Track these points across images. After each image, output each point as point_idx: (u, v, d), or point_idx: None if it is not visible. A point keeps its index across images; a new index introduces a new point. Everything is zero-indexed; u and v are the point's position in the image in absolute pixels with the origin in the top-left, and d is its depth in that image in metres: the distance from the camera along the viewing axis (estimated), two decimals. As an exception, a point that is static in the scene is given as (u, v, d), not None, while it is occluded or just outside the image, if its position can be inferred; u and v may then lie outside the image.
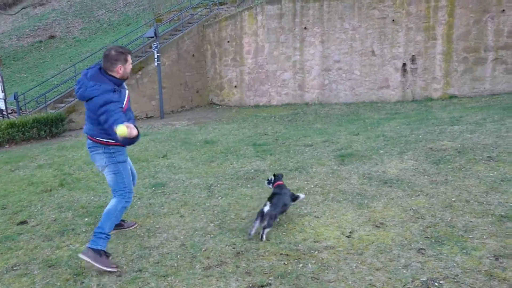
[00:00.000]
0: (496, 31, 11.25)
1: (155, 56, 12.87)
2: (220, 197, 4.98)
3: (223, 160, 6.86)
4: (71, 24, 23.64)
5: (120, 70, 3.44)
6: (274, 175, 4.33)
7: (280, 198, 3.90)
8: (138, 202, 5.00)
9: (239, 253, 3.49)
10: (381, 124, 8.92)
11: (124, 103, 3.50)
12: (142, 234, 4.04)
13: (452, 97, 11.78)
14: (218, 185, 5.46)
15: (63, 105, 12.52)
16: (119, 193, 3.58)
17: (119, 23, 21.68)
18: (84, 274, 3.32)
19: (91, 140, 3.58)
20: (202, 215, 4.43)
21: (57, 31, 23.11)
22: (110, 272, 3.28)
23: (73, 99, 12.64)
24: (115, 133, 3.16)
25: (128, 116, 3.54)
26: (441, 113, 9.57)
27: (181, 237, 3.91)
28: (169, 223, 4.26)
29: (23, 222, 4.62)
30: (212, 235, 3.89)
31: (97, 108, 3.32)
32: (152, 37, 13.06)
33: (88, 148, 3.64)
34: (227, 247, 3.62)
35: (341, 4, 12.65)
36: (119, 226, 4.03)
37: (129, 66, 3.51)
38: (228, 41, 14.64)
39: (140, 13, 21.76)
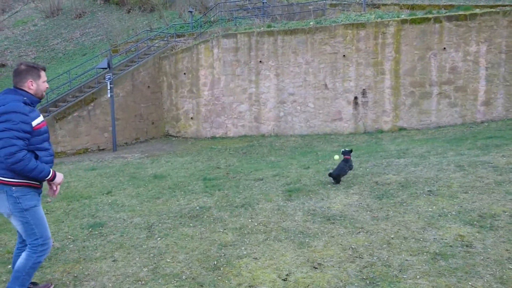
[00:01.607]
0: (439, 67, 11.89)
1: (108, 88, 12.63)
2: (159, 238, 4.77)
3: (169, 196, 6.65)
4: (24, 52, 22.97)
5: (31, 85, 3.08)
6: (343, 150, 6.63)
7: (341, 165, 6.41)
8: (71, 245, 4.70)
9: (168, 302, 3.29)
10: (332, 157, 9.03)
11: (39, 123, 3.08)
12: (68, 282, 3.76)
13: (401, 129, 12.21)
14: (160, 225, 5.25)
15: (7, 137, 11.91)
16: (29, 246, 3.10)
17: (74, 52, 21.29)
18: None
19: None
20: (137, 258, 4.20)
21: (9, 59, 22.36)
22: None
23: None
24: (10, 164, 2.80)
25: (43, 145, 3.12)
26: (390, 145, 9.84)
27: (110, 285, 3.66)
28: (100, 269, 4.00)
29: None
30: (143, 282, 3.67)
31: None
32: (106, 68, 12.85)
33: None
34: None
35: (294, 39, 13.02)
36: None
37: (43, 83, 3.16)
38: (184, 73, 14.64)
39: (97, 43, 21.50)
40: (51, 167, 3.20)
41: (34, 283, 3.57)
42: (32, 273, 3.15)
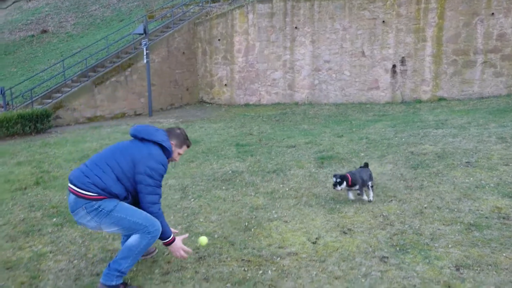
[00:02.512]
0: (486, 34, 11.22)
1: (144, 53, 12.78)
2: (193, 199, 4.93)
3: (203, 160, 6.79)
4: (64, 19, 23.46)
5: (172, 146, 3.13)
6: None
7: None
8: (110, 203, 4.93)
9: (201, 258, 3.43)
10: (367, 126, 8.88)
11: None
12: (107, 236, 3.97)
13: (441, 99, 11.76)
14: (193, 187, 5.40)
15: (50, 100, 12.41)
16: (141, 231, 2.90)
17: (112, 18, 21.53)
18: (40, 277, 3.26)
19: (74, 194, 2.86)
20: (172, 217, 4.37)
21: (50, 25, 22.93)
22: None
23: (60, 94, 12.53)
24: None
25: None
26: (428, 115, 9.53)
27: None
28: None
29: (-10, 222, 4.54)
30: (177, 239, 3.82)
31: (145, 166, 2.90)
32: (142, 34, 12.96)
33: (72, 210, 2.91)
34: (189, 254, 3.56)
35: (332, 4, 12.59)
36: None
37: (177, 155, 3.25)
38: (219, 39, 14.56)
39: (133, 9, 21.62)
40: None
41: None
42: (143, 252, 3.00)
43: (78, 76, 13.37)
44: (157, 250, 3.55)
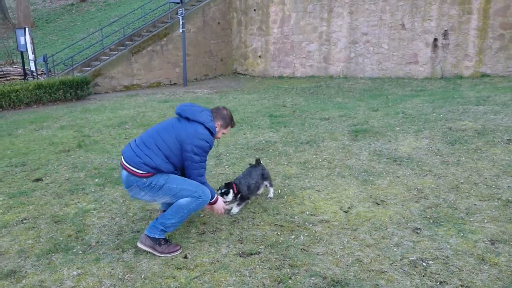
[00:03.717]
0: (538, 6, 10.52)
1: (180, 23, 12.83)
2: (227, 166, 5.04)
3: (237, 129, 6.88)
4: (102, -13, 23.71)
5: (217, 127, 3.21)
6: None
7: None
8: (148, 167, 5.12)
9: (235, 221, 3.55)
10: (404, 101, 8.67)
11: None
12: (146, 197, 4.15)
13: (484, 75, 11.25)
14: (228, 154, 5.52)
15: (89, 68, 12.77)
16: (192, 196, 3.04)
17: (148, -13, 21.58)
18: (85, 231, 3.48)
19: (128, 172, 2.99)
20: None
21: (88, -6, 23.27)
22: (174, 255, 3.04)
23: (99, 63, 12.86)
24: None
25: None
26: (469, 92, 9.18)
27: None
28: (174, 188, 4.35)
29: (38, 180, 4.84)
30: (212, 202, 3.96)
31: (191, 145, 2.99)
32: (178, 3, 12.97)
33: (127, 186, 3.08)
34: (224, 215, 3.68)
35: (373, -27, 12.10)
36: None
37: (220, 134, 3.29)
38: (254, 9, 14.38)
39: (170, -22, 21.56)
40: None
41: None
42: (190, 214, 3.13)
43: (115, 45, 13.63)
44: (181, 249, 3.48)
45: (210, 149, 3.14)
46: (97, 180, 4.73)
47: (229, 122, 3.33)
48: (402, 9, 11.95)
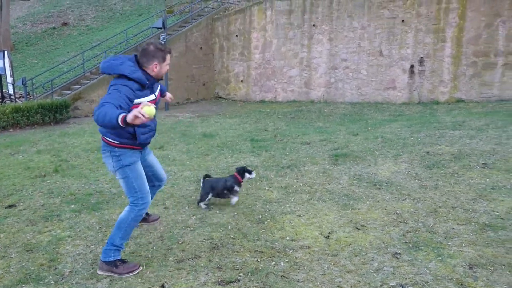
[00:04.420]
0: (508, 36, 11.02)
1: (162, 47, 12.88)
2: (207, 191, 4.98)
3: (218, 154, 6.86)
4: (85, 12, 23.81)
5: (155, 68, 3.10)
6: (237, 168, 4.56)
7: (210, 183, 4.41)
8: (126, 192, 5.03)
9: (214, 247, 3.49)
10: (383, 125, 8.83)
11: (156, 96, 3.26)
12: (124, 223, 4.05)
13: (459, 101, 11.60)
14: (208, 179, 5.46)
15: (69, 92, 12.64)
16: (131, 201, 3.20)
17: (131, 12, 21.78)
18: (59, 260, 3.36)
19: (102, 140, 3.22)
20: (186, 207, 4.44)
21: (71, 18, 23.30)
22: (135, 274, 3.11)
23: (79, 86, 12.75)
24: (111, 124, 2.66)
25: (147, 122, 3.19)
26: (445, 117, 9.43)
27: (161, 228, 3.92)
28: (152, 214, 4.27)
29: (11, 206, 4.68)
30: (191, 228, 3.90)
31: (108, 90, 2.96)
32: (160, 28, 13.09)
33: (102, 151, 3.28)
34: (204, 241, 3.63)
35: (351, 2, 12.51)
36: (143, 219, 3.80)
37: (166, 66, 3.16)
38: (236, 35, 14.61)
39: (153, 3, 21.83)
40: (149, 142, 3.33)
41: (147, 214, 3.98)
42: (133, 226, 3.22)
43: (96, 69, 13.58)
44: (160, 218, 4.08)
45: (132, 95, 2.96)
46: (73, 206, 4.61)
47: (162, 53, 3.11)
48: (380, 36, 12.33)
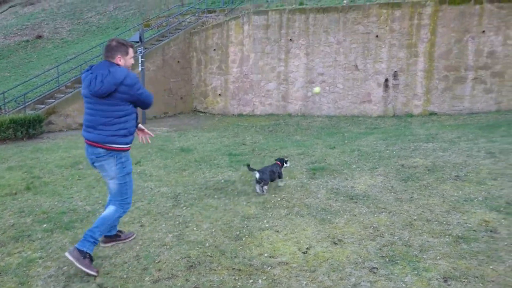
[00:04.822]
0: (477, 51, 11.45)
1: (140, 61, 12.82)
2: (185, 207, 4.93)
3: (195, 169, 6.81)
4: (60, 25, 23.49)
5: (119, 61, 3.36)
6: (276, 159, 5.79)
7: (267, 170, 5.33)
8: (101, 210, 4.91)
9: (192, 266, 3.44)
10: (359, 139, 8.96)
11: None
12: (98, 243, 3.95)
13: (432, 114, 11.92)
14: (186, 195, 5.41)
15: (43, 106, 12.37)
16: (118, 202, 3.51)
17: (108, 26, 21.61)
18: (29, 283, 3.24)
19: (101, 147, 3.35)
20: (163, 225, 4.37)
21: (45, 31, 22.93)
22: (90, 274, 3.25)
23: (54, 100, 12.50)
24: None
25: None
26: (419, 129, 9.65)
27: (137, 247, 3.84)
28: (125, 232, 4.18)
29: (-21, 226, 4.50)
30: (168, 246, 3.83)
31: (132, 89, 3.29)
32: (137, 42, 13.01)
33: (96, 157, 3.39)
34: (181, 259, 3.57)
35: (326, 18, 12.78)
36: (116, 237, 3.88)
37: (130, 59, 3.43)
38: (214, 49, 14.66)
39: (130, 17, 21.73)
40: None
41: (120, 231, 3.99)
42: (114, 224, 3.62)
43: (72, 82, 13.36)
44: (135, 235, 4.04)
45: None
46: (45, 225, 4.47)
47: (124, 47, 3.40)
48: (355, 51, 12.60)
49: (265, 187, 5.22)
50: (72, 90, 12.81)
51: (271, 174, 5.30)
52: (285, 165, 5.59)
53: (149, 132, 3.92)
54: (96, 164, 3.45)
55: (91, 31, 21.64)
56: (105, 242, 3.83)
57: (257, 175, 5.17)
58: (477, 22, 11.32)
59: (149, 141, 4.01)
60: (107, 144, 3.33)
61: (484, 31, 11.30)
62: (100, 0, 25.42)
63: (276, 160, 5.69)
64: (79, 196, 5.50)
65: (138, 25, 17.49)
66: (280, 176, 5.47)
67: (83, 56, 15.80)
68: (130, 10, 22.65)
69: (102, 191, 5.69)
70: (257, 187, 5.25)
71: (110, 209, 3.50)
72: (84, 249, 3.27)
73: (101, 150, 3.34)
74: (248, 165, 5.36)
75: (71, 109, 12.47)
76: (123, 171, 3.44)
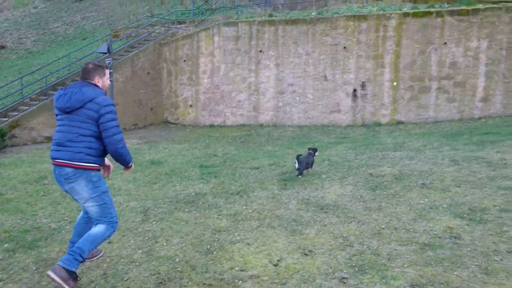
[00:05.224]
0: (439, 62, 11.90)
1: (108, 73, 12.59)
2: (154, 222, 4.85)
3: (166, 182, 6.72)
4: (24, 35, 22.83)
5: (98, 82, 3.35)
6: (309, 148, 6.99)
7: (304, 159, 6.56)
8: (67, 226, 4.77)
9: (161, 282, 3.37)
10: (329, 148, 9.10)
11: None
12: (64, 262, 3.82)
13: (399, 123, 12.26)
14: (155, 209, 5.32)
15: (6, 119, 11.94)
16: (107, 222, 3.34)
17: (75, 36, 21.18)
18: (-12, 307, 3.09)
19: (69, 166, 3.16)
20: (132, 241, 4.28)
21: (8, 41, 22.23)
22: None
23: (17, 113, 12.09)
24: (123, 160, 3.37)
25: None
26: (387, 138, 9.90)
27: (105, 265, 3.74)
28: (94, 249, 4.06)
29: None
30: (137, 263, 3.75)
31: (102, 112, 3.16)
32: (106, 53, 12.80)
33: (64, 179, 3.19)
34: (150, 276, 3.49)
35: (295, 30, 12.99)
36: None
37: (106, 80, 3.44)
38: (184, 60, 14.61)
39: (98, 27, 21.39)
40: None
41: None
42: (101, 242, 3.39)
43: (37, 94, 12.98)
44: (103, 252, 3.92)
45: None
46: (6, 245, 4.28)
47: (101, 68, 3.42)
48: (324, 62, 12.84)
49: (300, 176, 6.45)
50: (37, 102, 12.44)
51: (306, 164, 6.52)
52: (316, 153, 6.87)
53: (110, 169, 3.66)
54: (66, 187, 3.24)
55: (57, 42, 21.14)
56: None
57: (296, 165, 6.42)
58: (439, 34, 11.79)
59: (110, 178, 3.77)
60: (74, 162, 3.14)
61: (445, 43, 11.77)
62: (66, 10, 24.92)
63: (309, 149, 6.87)
64: (44, 213, 5.31)
65: (106, 35, 17.22)
66: (311, 164, 6.68)
67: (49, 67, 15.39)
68: (98, 20, 22.30)
69: (68, 207, 5.52)
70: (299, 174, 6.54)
71: (100, 227, 3.29)
72: (73, 269, 3.11)
73: (68, 170, 3.15)
74: (299, 156, 6.51)
75: (36, 122, 12.10)
76: (96, 191, 3.24)
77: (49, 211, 5.40)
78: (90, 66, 3.38)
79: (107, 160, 3.56)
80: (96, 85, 3.33)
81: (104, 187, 3.34)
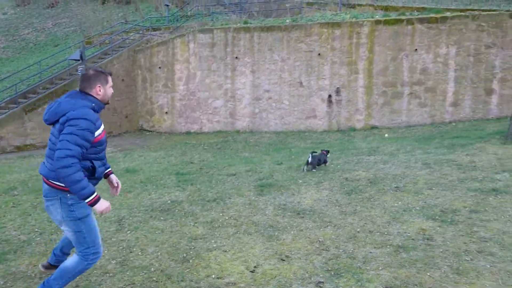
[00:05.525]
0: (411, 68, 12.21)
1: (81, 80, 12.37)
2: (129, 231, 4.76)
3: (141, 190, 6.61)
4: (-7, 41, 22.18)
5: (99, 91, 2.96)
6: (322, 150, 7.74)
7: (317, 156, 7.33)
8: (38, 238, 4.63)
9: (136, 293, 3.31)
10: (305, 154, 9.15)
11: (101, 132, 2.95)
12: (34, 275, 3.70)
13: (373, 127, 12.49)
14: (130, 218, 5.23)
15: (-27, 128, 11.53)
16: (81, 254, 2.99)
17: (46, 43, 20.73)
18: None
19: (46, 183, 2.91)
20: (106, 251, 4.18)
21: (-24, 48, 21.53)
22: None
23: (-15, 122, 11.70)
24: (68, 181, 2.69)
25: (101, 155, 3.03)
26: (361, 143, 10.06)
27: (77, 278, 3.63)
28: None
29: None
30: (111, 274, 3.66)
31: (66, 124, 2.74)
32: (78, 60, 12.58)
33: (43, 196, 2.96)
34: (125, 286, 3.42)
35: (270, 37, 13.09)
36: (56, 267, 3.33)
37: (109, 89, 3.03)
38: (159, 67, 14.49)
39: (70, 34, 21.00)
40: (101, 177, 3.12)
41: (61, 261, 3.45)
42: (76, 277, 3.08)
43: (6, 103, 12.61)
44: None
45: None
46: (-27, 259, 4.11)
47: (104, 75, 3.03)
48: (299, 68, 12.98)
49: (313, 169, 7.14)
50: (7, 110, 12.08)
51: (318, 161, 7.20)
52: (328, 154, 7.70)
53: (117, 183, 3.37)
54: (44, 205, 2.99)
55: (27, 48, 20.63)
56: (46, 268, 3.57)
57: (310, 159, 7.09)
58: (410, 41, 12.11)
59: (117, 194, 3.43)
60: (50, 180, 2.87)
61: (416, 49, 12.10)
62: (38, 17, 24.37)
63: (322, 150, 7.73)
64: (13, 225, 5.14)
65: (79, 42, 16.92)
66: (325, 162, 7.40)
67: (19, 75, 14.99)
68: (71, 27, 21.90)
69: (38, 218, 5.36)
70: (304, 168, 7.20)
71: (73, 259, 3.01)
72: None
73: (46, 187, 2.91)
74: (313, 152, 7.31)
75: (5, 131, 11.73)
76: (71, 215, 2.88)
77: (18, 222, 5.23)
78: (91, 72, 3.00)
79: (115, 178, 3.33)
80: (90, 95, 2.94)
81: (81, 212, 2.91)
